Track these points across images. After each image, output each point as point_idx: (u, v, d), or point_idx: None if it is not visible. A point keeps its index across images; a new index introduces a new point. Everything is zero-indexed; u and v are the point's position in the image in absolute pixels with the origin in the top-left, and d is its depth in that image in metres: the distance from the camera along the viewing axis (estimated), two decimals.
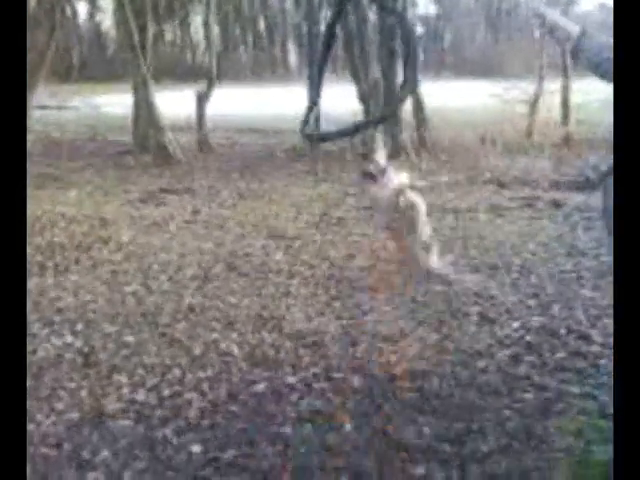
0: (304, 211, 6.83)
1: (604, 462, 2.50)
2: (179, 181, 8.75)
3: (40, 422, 2.93)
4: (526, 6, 2.67)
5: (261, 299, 4.37)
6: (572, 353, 3.50)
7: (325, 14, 13.55)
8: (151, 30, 11.28)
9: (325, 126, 4.00)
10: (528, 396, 3.08)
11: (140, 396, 3.16)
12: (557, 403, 3.01)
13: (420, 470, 2.57)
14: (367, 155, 3.64)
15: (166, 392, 3.19)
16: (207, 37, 13.56)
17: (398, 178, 3.45)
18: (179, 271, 4.98)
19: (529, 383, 3.19)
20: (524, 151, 10.02)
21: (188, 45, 33.89)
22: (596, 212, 5.85)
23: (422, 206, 3.45)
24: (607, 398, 2.93)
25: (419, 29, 29.40)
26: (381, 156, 3.50)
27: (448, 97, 16.46)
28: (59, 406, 3.08)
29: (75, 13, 32.14)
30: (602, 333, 3.68)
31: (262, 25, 36.57)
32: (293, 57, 36.57)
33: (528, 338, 3.69)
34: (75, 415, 3.00)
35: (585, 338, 3.66)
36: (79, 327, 3.96)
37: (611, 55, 2.24)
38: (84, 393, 3.19)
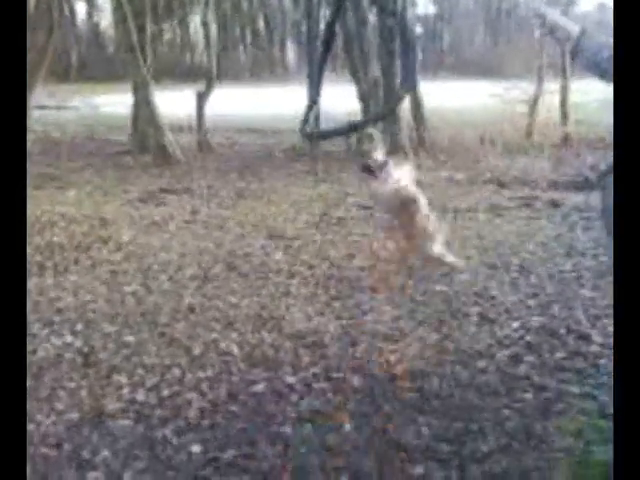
0: (304, 211, 6.83)
1: (604, 462, 2.50)
2: (178, 181, 8.75)
3: (40, 422, 2.93)
4: (526, 6, 2.67)
5: (261, 299, 4.37)
6: (572, 353, 3.51)
7: (324, 13, 13.54)
8: (150, 30, 11.28)
9: (325, 125, 4.00)
10: (528, 396, 3.08)
11: (140, 396, 3.16)
12: (557, 403, 3.01)
13: (419, 470, 2.57)
14: (365, 151, 3.60)
15: (166, 392, 3.19)
16: (206, 37, 13.54)
17: (399, 172, 3.45)
18: (179, 271, 4.97)
19: (529, 383, 3.20)
20: (524, 151, 10.03)
21: (187, 45, 33.84)
22: (595, 212, 5.86)
23: (422, 199, 3.45)
24: (607, 398, 2.93)
25: (418, 29, 29.36)
26: (380, 151, 3.49)
27: (447, 97, 16.47)
28: (59, 406, 3.08)
29: (74, 13, 32.15)
30: (602, 333, 3.68)
31: (261, 24, 36.55)
32: (292, 56, 36.55)
33: (528, 338, 3.69)
34: (75, 415, 3.00)
35: (585, 338, 3.67)
36: (79, 327, 3.96)
37: (610, 55, 2.24)
38: (84, 393, 3.19)
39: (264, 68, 34.51)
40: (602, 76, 2.39)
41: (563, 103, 11.36)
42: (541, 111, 11.43)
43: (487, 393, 3.12)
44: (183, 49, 34.26)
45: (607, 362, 3.30)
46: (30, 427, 2.86)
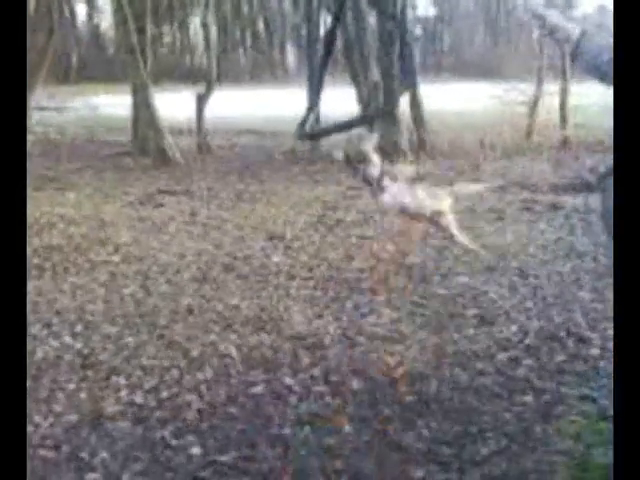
0: (303, 213, 6.83)
1: (604, 465, 2.50)
2: (178, 183, 8.75)
3: (38, 424, 2.92)
4: (525, 8, 2.67)
5: (260, 301, 4.37)
6: (572, 356, 3.50)
7: (324, 16, 13.57)
8: (150, 32, 11.28)
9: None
10: (528, 399, 3.07)
11: (138, 398, 3.15)
12: (557, 406, 3.00)
13: (419, 473, 2.57)
14: (353, 162, 3.57)
15: (164, 394, 3.19)
16: (206, 39, 13.55)
17: (398, 185, 3.41)
18: (178, 273, 4.97)
19: (529, 386, 3.19)
20: (522, 153, 10.03)
21: (187, 47, 33.86)
22: (594, 214, 5.86)
23: (434, 203, 3.43)
24: (607, 401, 2.93)
25: (418, 31, 29.38)
26: (374, 162, 3.45)
27: (447, 99, 16.47)
28: (57, 408, 3.07)
29: (74, 14, 32.18)
30: (602, 336, 3.68)
31: (261, 27, 36.55)
32: (292, 59, 36.56)
33: (527, 341, 3.69)
34: (74, 417, 2.99)
35: (585, 341, 3.66)
36: (78, 329, 3.95)
37: (611, 57, 2.24)
38: (83, 395, 3.19)
39: (264, 70, 34.52)
40: (602, 79, 2.38)
41: (563, 106, 11.35)
42: (541, 113, 11.43)
43: (486, 396, 3.11)
44: (183, 51, 34.28)
45: (607, 365, 3.30)
46: (29, 429, 2.85)
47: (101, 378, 3.34)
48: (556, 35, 2.53)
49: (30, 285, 4.58)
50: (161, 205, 7.39)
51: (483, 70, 26.82)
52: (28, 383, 3.22)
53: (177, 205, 7.38)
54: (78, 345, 3.73)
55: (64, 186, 8.50)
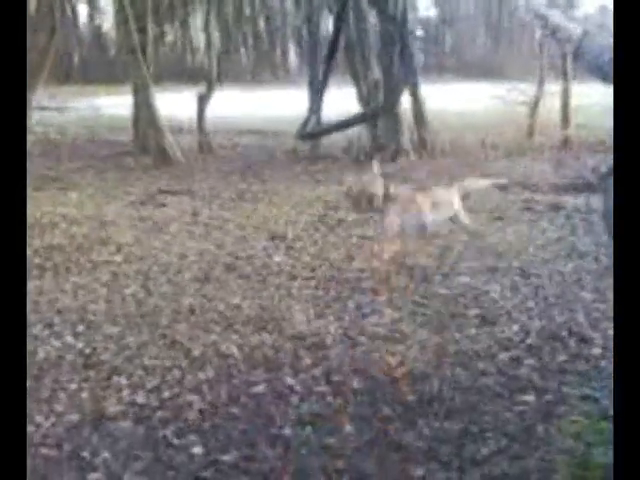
0: (304, 212, 6.83)
1: (604, 464, 2.50)
2: (179, 183, 8.75)
3: (40, 424, 2.93)
4: (527, 8, 2.67)
5: (261, 300, 4.37)
6: (573, 355, 3.50)
7: (326, 16, 13.57)
8: (151, 32, 11.28)
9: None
10: (529, 398, 3.07)
11: (140, 398, 3.16)
12: (558, 405, 3.00)
13: (420, 472, 2.57)
14: (358, 198, 3.71)
15: (166, 394, 3.19)
16: (207, 39, 13.55)
17: (398, 212, 3.52)
18: (179, 273, 4.97)
19: (530, 386, 3.19)
20: (524, 153, 10.02)
21: (188, 47, 33.84)
22: (596, 214, 5.86)
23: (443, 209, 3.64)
24: (608, 401, 2.93)
25: (419, 32, 29.34)
26: (377, 186, 3.49)
27: (449, 100, 16.46)
28: (59, 407, 3.07)
29: (75, 15, 32.16)
30: (603, 335, 3.68)
31: (262, 27, 36.54)
32: (293, 59, 36.55)
33: (529, 341, 3.69)
34: (75, 417, 3.00)
35: (586, 341, 3.66)
36: (79, 328, 3.96)
37: (612, 57, 2.24)
38: (84, 394, 3.19)
39: (265, 70, 34.52)
40: (604, 79, 2.38)
41: (564, 106, 11.33)
42: (542, 113, 11.42)
43: (488, 396, 3.11)
44: (184, 51, 34.26)
45: (608, 364, 3.30)
46: (30, 428, 2.85)
47: (103, 378, 3.35)
48: (558, 35, 2.54)
49: (32, 285, 4.58)
50: (163, 205, 7.39)
51: (485, 70, 26.81)
52: (30, 383, 3.22)
53: (179, 205, 7.38)
54: (80, 345, 3.73)
55: (66, 186, 8.50)
